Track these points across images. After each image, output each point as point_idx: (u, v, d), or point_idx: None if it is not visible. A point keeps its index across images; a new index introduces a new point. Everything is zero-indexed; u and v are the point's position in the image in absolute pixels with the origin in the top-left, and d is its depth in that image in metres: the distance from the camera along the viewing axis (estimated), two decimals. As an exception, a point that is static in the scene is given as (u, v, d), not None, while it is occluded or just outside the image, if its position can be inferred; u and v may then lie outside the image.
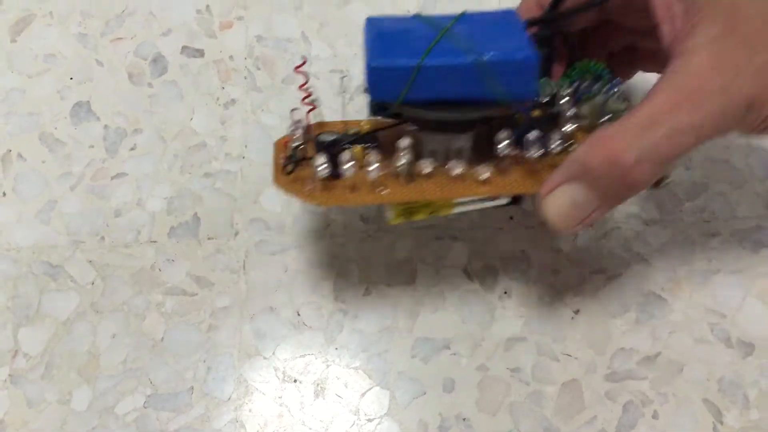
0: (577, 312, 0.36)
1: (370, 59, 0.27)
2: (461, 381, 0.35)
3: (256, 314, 0.36)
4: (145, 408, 0.34)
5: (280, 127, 0.40)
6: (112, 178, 0.39)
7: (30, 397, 0.35)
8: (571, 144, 0.30)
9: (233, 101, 0.41)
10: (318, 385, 0.35)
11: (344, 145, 0.29)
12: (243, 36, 0.42)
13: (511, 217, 0.38)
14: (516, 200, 0.30)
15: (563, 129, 0.29)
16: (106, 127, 0.40)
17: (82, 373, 0.35)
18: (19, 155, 0.39)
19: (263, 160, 0.39)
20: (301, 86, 0.28)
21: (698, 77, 0.26)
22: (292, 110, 0.29)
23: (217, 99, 0.41)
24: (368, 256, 0.37)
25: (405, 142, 0.28)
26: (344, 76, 0.30)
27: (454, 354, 0.36)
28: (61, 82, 0.41)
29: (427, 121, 0.29)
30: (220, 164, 0.39)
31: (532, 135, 0.29)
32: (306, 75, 0.28)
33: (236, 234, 0.38)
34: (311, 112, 0.29)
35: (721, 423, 0.34)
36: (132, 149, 0.39)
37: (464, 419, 0.34)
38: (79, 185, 0.39)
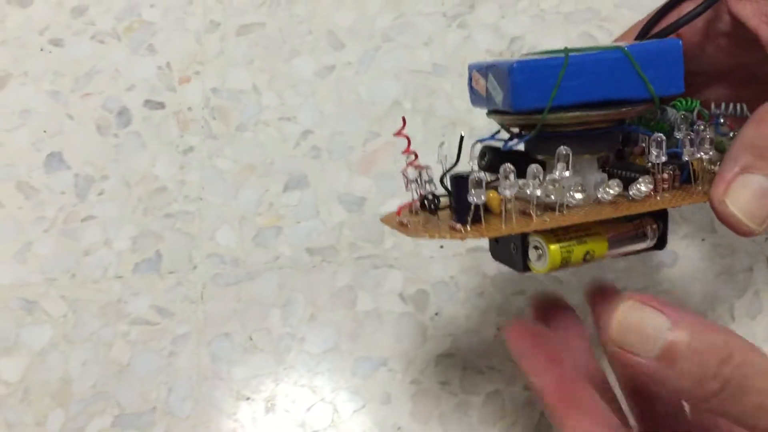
0: (499, 329, 0.41)
1: (511, 63, 0.25)
2: (397, 394, 0.39)
3: (212, 340, 0.40)
4: (113, 427, 0.38)
5: (233, 170, 0.44)
6: (82, 220, 0.43)
7: (9, 421, 0.39)
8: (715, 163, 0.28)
9: (191, 148, 0.45)
10: (268, 402, 0.39)
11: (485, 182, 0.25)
12: (200, 89, 0.46)
13: (442, 246, 0.43)
14: (660, 244, 0.28)
15: (709, 143, 0.27)
16: (76, 175, 0.44)
17: (56, 398, 0.39)
18: (-2, 202, 0.44)
19: (219, 201, 0.44)
20: (405, 151, 0.27)
21: None
22: (402, 171, 0.27)
23: (177, 147, 0.45)
24: (313, 285, 0.42)
25: (562, 171, 0.25)
26: (442, 143, 0.28)
27: (390, 370, 0.40)
28: (35, 135, 0.45)
29: (573, 135, 0.26)
30: (180, 206, 0.44)
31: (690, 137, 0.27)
32: (407, 137, 0.27)
33: (194, 268, 0.42)
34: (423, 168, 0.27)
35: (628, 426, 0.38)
36: (100, 194, 0.44)
37: (399, 428, 0.39)
38: (52, 228, 0.43)
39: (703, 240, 0.42)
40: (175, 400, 0.39)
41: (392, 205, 0.43)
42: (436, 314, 0.41)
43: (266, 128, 0.46)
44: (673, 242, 0.42)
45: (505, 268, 0.42)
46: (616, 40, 0.33)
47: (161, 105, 0.46)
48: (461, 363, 0.40)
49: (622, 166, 0.28)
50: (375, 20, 0.48)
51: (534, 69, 0.25)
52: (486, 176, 0.26)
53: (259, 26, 0.48)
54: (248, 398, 0.39)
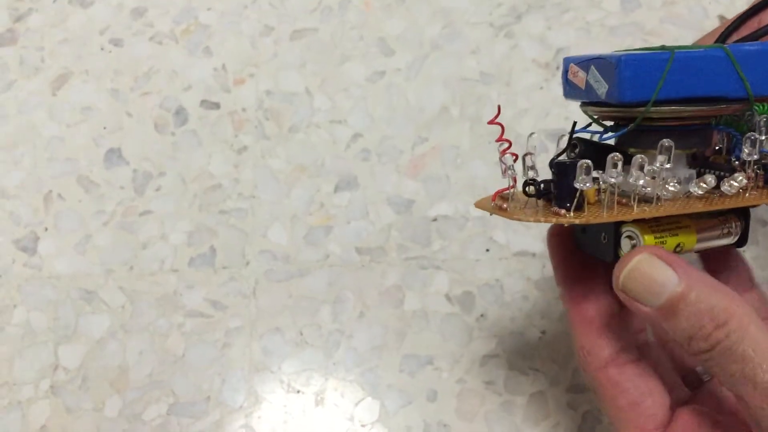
0: (543, 332, 0.42)
1: (620, 56, 0.26)
2: (443, 392, 0.40)
3: (264, 334, 0.42)
4: (168, 415, 0.40)
5: (285, 170, 0.46)
6: (140, 215, 0.45)
7: (68, 406, 0.40)
8: None
9: (245, 148, 0.46)
10: (318, 395, 0.40)
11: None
12: (254, 91, 0.48)
13: (488, 250, 0.44)
14: (741, 242, 0.30)
15: None
16: (134, 170, 0.46)
17: (114, 385, 0.40)
18: (59, 195, 0.45)
19: (271, 199, 0.45)
20: (498, 138, 0.28)
21: None
22: (501, 158, 0.28)
23: (231, 146, 0.46)
24: (362, 283, 0.43)
25: (663, 163, 0.26)
26: (532, 134, 0.29)
27: (437, 369, 0.41)
28: (95, 131, 0.47)
29: (667, 130, 0.27)
30: (234, 203, 0.45)
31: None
32: (502, 125, 0.28)
33: (247, 264, 0.43)
34: (515, 159, 0.28)
35: (668, 429, 0.39)
36: (157, 190, 0.45)
37: (445, 426, 0.40)
38: (111, 221, 0.44)
39: (744, 251, 0.43)
40: (227, 390, 0.40)
41: (440, 208, 0.45)
42: (482, 316, 0.42)
43: (318, 130, 0.47)
44: (715, 252, 0.43)
45: (548, 272, 0.43)
46: (698, 42, 0.34)
47: (217, 105, 0.48)
48: (506, 364, 0.41)
49: (705, 164, 0.29)
50: (424, 29, 0.49)
51: (641, 63, 0.26)
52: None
53: (312, 31, 0.49)
54: (298, 391, 0.40)
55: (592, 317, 0.29)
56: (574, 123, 0.29)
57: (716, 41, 0.32)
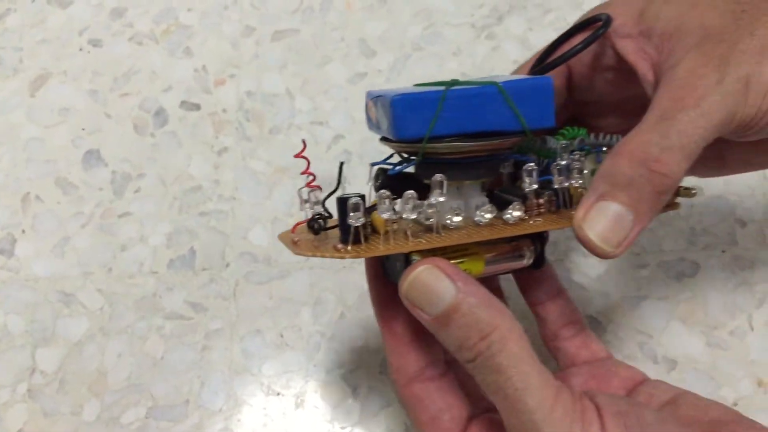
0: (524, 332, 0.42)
1: (393, 95, 0.27)
2: (423, 394, 0.40)
3: (244, 336, 0.41)
4: (147, 418, 0.39)
5: (266, 171, 0.46)
6: (119, 217, 0.44)
7: (46, 410, 0.40)
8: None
9: (226, 149, 0.46)
10: (298, 397, 0.40)
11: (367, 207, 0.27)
12: (235, 92, 0.48)
13: (468, 251, 0.44)
14: (537, 264, 0.30)
15: (583, 172, 0.30)
16: (113, 172, 0.45)
17: (92, 388, 0.40)
18: (37, 197, 0.45)
19: (252, 201, 0.45)
20: (303, 172, 0.28)
21: (692, 74, 0.27)
22: (298, 191, 0.29)
23: (212, 147, 0.46)
24: (343, 284, 0.43)
25: (438, 197, 0.27)
26: (342, 163, 0.30)
27: (417, 370, 0.41)
28: (74, 132, 0.46)
29: (452, 164, 0.28)
30: (214, 204, 0.45)
31: (560, 166, 0.29)
32: (307, 158, 0.29)
33: (227, 266, 0.43)
34: (314, 190, 0.29)
35: (648, 429, 0.39)
36: (136, 192, 0.45)
37: (425, 427, 0.40)
38: (89, 223, 0.44)
39: (723, 251, 0.43)
40: (207, 393, 0.40)
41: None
42: (463, 317, 0.42)
43: (299, 131, 0.47)
44: (694, 253, 0.43)
45: (529, 274, 0.43)
46: (515, 72, 0.34)
47: (197, 106, 0.47)
48: (486, 365, 0.41)
49: (507, 190, 0.30)
50: (406, 30, 0.49)
51: (413, 102, 0.27)
52: (370, 199, 0.28)
53: (294, 32, 0.49)
54: (278, 393, 0.40)
55: (400, 334, 0.30)
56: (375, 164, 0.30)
57: (531, 68, 0.32)
